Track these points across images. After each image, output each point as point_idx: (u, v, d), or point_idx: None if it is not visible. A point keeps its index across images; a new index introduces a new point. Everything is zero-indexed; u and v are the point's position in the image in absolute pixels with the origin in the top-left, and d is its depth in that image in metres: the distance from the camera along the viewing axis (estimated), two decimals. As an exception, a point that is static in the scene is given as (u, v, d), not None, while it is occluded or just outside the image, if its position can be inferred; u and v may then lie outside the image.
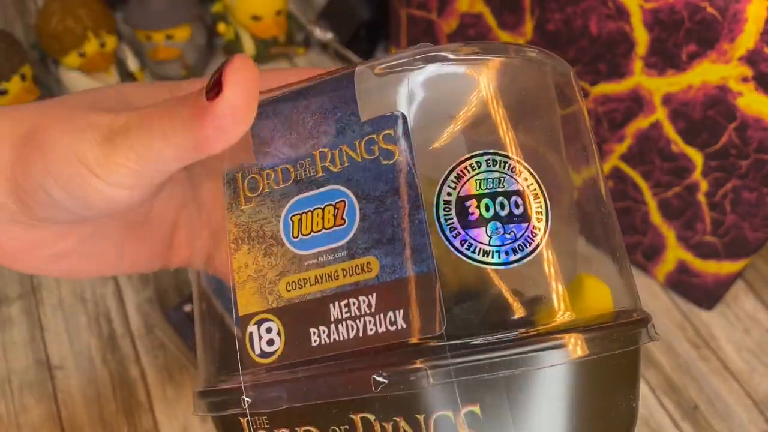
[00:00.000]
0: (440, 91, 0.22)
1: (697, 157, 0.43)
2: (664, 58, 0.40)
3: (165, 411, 0.45)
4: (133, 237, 0.28)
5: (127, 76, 0.62)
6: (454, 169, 0.21)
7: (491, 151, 0.21)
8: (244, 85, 0.20)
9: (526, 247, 0.21)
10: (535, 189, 0.21)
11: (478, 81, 0.22)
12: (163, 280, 0.51)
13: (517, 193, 0.21)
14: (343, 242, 0.21)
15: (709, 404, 0.47)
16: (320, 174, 0.21)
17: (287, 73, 0.27)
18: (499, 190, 0.21)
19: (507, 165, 0.21)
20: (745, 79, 0.38)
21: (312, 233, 0.21)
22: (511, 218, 0.21)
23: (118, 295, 0.50)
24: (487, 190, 0.21)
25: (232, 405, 0.21)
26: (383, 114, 0.21)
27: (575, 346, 0.20)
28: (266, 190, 0.22)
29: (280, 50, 0.64)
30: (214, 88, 0.20)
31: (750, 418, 0.47)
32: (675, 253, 0.49)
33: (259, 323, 0.21)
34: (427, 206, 0.20)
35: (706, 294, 0.50)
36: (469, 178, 0.21)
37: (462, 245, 0.20)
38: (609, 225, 0.25)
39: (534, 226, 0.21)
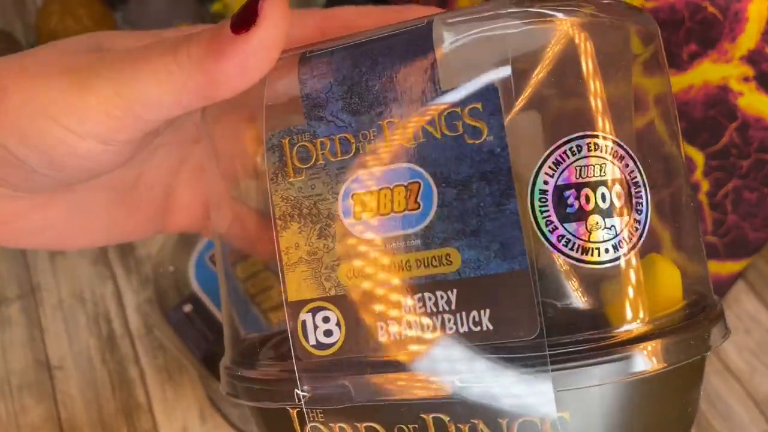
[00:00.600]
0: (528, 55, 0.19)
1: (697, 156, 0.43)
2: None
3: (164, 411, 0.45)
4: (123, 205, 0.26)
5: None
6: (552, 153, 0.18)
7: (592, 133, 0.18)
8: (281, 23, 0.18)
9: (626, 244, 0.18)
10: (636, 177, 0.19)
11: (574, 45, 0.19)
12: (163, 281, 0.51)
13: (619, 181, 0.18)
14: (417, 229, 0.18)
15: (710, 405, 0.47)
16: (388, 148, 0.18)
17: (343, 13, 0.24)
18: (600, 178, 0.18)
19: (608, 149, 0.18)
20: (746, 79, 0.38)
21: (378, 215, 0.18)
22: (612, 211, 0.18)
23: (118, 295, 0.50)
24: (587, 179, 0.18)
25: (283, 397, 0.19)
26: (470, 82, 0.18)
27: (662, 354, 0.18)
28: (321, 162, 0.19)
29: (280, 50, 0.64)
30: (247, 21, 0.18)
31: (751, 418, 0.47)
32: (676, 253, 0.49)
33: (314, 311, 0.19)
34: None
35: (706, 294, 0.50)
36: (569, 165, 0.18)
37: (559, 241, 0.18)
38: (686, 201, 0.22)
39: (635, 220, 0.18)
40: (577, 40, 0.19)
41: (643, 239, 0.18)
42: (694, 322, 0.20)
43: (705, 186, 0.44)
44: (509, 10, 0.18)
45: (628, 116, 0.21)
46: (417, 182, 0.18)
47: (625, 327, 0.18)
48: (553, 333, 0.18)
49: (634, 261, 0.18)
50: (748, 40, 0.36)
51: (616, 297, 0.19)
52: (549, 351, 0.17)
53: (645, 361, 0.18)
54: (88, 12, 0.57)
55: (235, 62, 0.18)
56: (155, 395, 0.46)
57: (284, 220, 0.19)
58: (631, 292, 0.19)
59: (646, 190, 0.19)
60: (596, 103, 0.19)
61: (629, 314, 0.19)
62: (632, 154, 0.19)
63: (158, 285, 0.50)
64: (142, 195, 0.27)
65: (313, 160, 0.19)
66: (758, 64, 0.37)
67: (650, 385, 0.18)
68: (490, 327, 0.17)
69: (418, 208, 0.18)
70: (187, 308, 0.46)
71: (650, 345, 0.18)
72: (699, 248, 0.23)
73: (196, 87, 0.18)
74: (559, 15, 0.19)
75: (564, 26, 0.19)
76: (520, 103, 0.18)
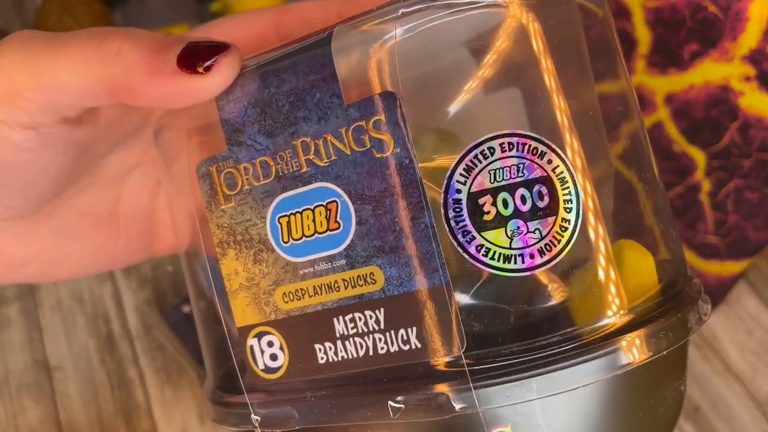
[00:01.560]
0: (440, 50, 0.18)
1: (699, 156, 0.43)
2: (666, 58, 0.40)
3: (163, 412, 0.45)
4: (105, 230, 0.26)
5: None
6: (461, 159, 0.17)
7: (504, 132, 0.17)
8: (228, 79, 0.18)
9: (554, 246, 0.17)
10: (562, 172, 0.17)
11: (494, 31, 0.17)
12: (162, 281, 0.51)
13: (541, 180, 0.17)
14: (340, 249, 0.18)
15: (711, 405, 0.47)
16: (305, 169, 0.18)
17: (299, 8, 0.24)
18: (519, 179, 0.17)
19: (526, 147, 0.17)
20: (747, 79, 0.37)
21: (304, 238, 0.18)
22: (534, 213, 0.17)
23: (117, 295, 0.50)
24: (504, 182, 0.17)
25: (243, 421, 0.19)
26: (370, 95, 0.17)
27: (630, 350, 0.17)
28: (246, 187, 0.19)
29: (279, 49, 0.64)
30: (196, 65, 0.18)
31: (752, 419, 0.47)
32: (677, 253, 0.49)
33: (259, 336, 0.19)
34: (433, 203, 0.17)
35: (708, 294, 0.50)
36: (482, 169, 0.17)
37: (478, 251, 0.17)
38: (649, 181, 0.21)
39: (563, 219, 0.17)
40: (524, 21, 0.18)
41: (575, 239, 0.17)
42: (674, 306, 0.19)
43: (706, 186, 0.44)
44: (408, 5, 0.17)
45: (585, 98, 0.20)
46: (334, 201, 0.18)
47: (599, 323, 0.18)
48: (482, 347, 0.17)
49: (565, 263, 0.17)
50: (749, 39, 0.36)
51: (545, 305, 0.18)
52: (475, 368, 0.16)
53: (623, 356, 0.17)
54: (87, 11, 0.57)
55: (165, 89, 0.18)
56: (154, 396, 0.46)
57: (222, 247, 0.20)
58: (560, 295, 0.18)
59: (576, 185, 0.17)
60: (515, 101, 0.18)
61: (595, 311, 0.18)
62: (556, 149, 0.17)
63: (157, 285, 0.50)
64: (123, 219, 0.26)
65: (239, 186, 0.19)
66: (759, 64, 0.37)
67: (631, 378, 0.18)
68: (419, 345, 0.17)
69: (339, 227, 0.18)
70: (186, 309, 0.46)
71: (626, 339, 0.17)
72: (670, 225, 0.21)
73: (112, 85, 0.18)
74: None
75: (507, 12, 0.18)
76: (440, 106, 0.18)
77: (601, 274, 0.18)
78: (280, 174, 0.19)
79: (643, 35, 0.40)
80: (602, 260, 0.18)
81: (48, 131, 0.20)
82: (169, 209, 0.24)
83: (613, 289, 0.18)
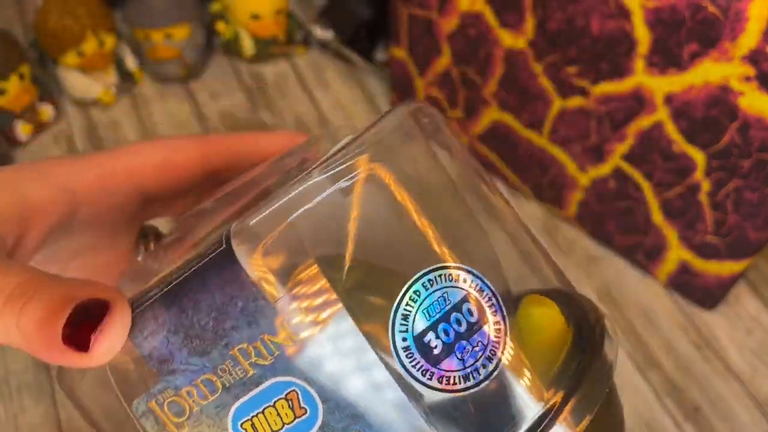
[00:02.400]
0: (327, 225, 0.19)
1: (698, 156, 0.43)
2: (665, 58, 0.40)
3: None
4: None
5: (125, 75, 0.62)
6: (397, 311, 0.18)
7: (423, 271, 0.19)
8: (114, 351, 0.18)
9: (498, 347, 0.19)
10: (476, 283, 0.19)
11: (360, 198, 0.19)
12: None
13: (464, 299, 0.19)
14: (315, 430, 0.18)
15: (711, 405, 0.47)
16: (251, 372, 0.18)
17: (222, 140, 0.25)
18: (448, 307, 0.19)
19: (443, 276, 0.19)
20: (747, 79, 0.37)
21: None
22: (471, 330, 0.19)
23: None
24: (438, 315, 0.18)
25: None
26: (291, 281, 0.18)
27: (572, 423, 0.19)
28: (195, 409, 0.19)
29: (279, 50, 0.64)
30: (78, 343, 0.18)
31: (752, 419, 0.47)
32: (677, 253, 0.49)
33: None
34: (382, 343, 0.18)
35: (707, 294, 0.50)
36: (416, 313, 0.18)
37: (442, 383, 0.18)
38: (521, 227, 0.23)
39: (494, 321, 0.19)
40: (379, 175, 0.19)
41: (509, 333, 0.19)
42: (588, 356, 0.20)
43: (706, 186, 0.44)
44: (306, 184, 0.18)
45: (469, 218, 0.21)
46: (293, 390, 0.18)
47: (533, 411, 0.19)
48: None
49: (512, 352, 0.19)
50: (749, 39, 0.36)
51: (515, 390, 0.19)
52: None
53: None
54: (88, 11, 0.57)
55: (62, 362, 0.18)
56: (155, 396, 0.46)
57: None
58: (519, 385, 0.19)
59: (488, 286, 0.19)
60: (416, 242, 0.19)
61: (530, 399, 0.19)
62: (467, 267, 0.19)
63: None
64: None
65: (188, 411, 0.19)
66: (759, 64, 0.37)
67: None
68: None
69: (306, 412, 0.18)
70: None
71: (561, 416, 0.19)
72: (551, 263, 0.23)
73: (7, 339, 0.18)
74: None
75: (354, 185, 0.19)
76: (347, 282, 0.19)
77: (523, 372, 0.19)
78: (227, 385, 0.18)
79: (643, 35, 0.40)
80: (515, 362, 0.19)
81: None
82: None
83: (530, 382, 0.19)
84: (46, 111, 0.59)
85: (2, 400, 0.46)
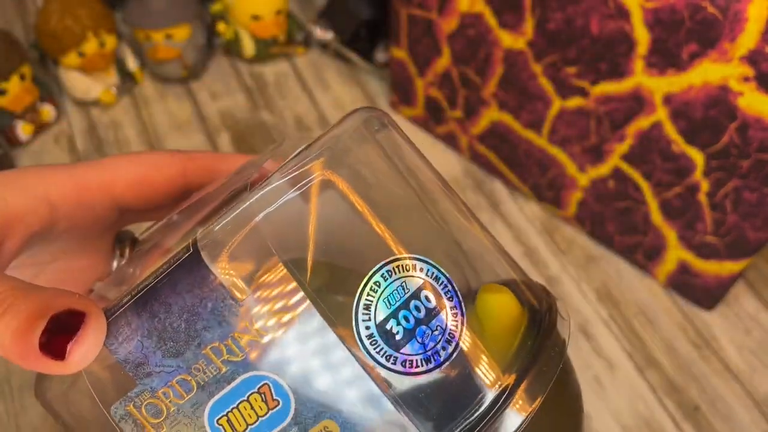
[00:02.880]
0: (288, 226, 0.20)
1: (698, 157, 0.43)
2: (664, 58, 0.40)
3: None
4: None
5: (126, 75, 0.62)
6: (359, 301, 0.20)
7: (381, 263, 0.20)
8: (88, 359, 0.18)
9: (456, 331, 0.20)
10: (432, 272, 0.20)
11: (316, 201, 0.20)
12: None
13: (421, 287, 0.20)
14: (288, 420, 0.19)
15: (710, 405, 0.47)
16: (224, 370, 0.19)
17: (203, 157, 0.25)
18: (407, 295, 0.20)
19: (400, 267, 0.20)
20: (746, 79, 0.38)
21: (249, 427, 0.19)
22: (429, 315, 0.20)
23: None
24: (398, 303, 0.20)
25: None
26: (258, 281, 0.19)
27: (525, 403, 0.20)
28: (172, 409, 0.19)
29: (280, 50, 0.64)
30: (54, 352, 0.18)
31: (751, 418, 0.47)
32: (676, 253, 0.49)
33: None
34: (346, 330, 0.19)
35: (707, 294, 0.50)
36: (377, 302, 0.20)
37: (406, 366, 0.19)
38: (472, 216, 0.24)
39: (450, 306, 0.20)
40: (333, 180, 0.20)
41: (465, 316, 0.20)
42: (541, 337, 0.22)
43: (705, 186, 0.44)
44: (265, 190, 0.19)
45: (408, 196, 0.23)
46: (265, 384, 0.19)
47: (491, 393, 0.20)
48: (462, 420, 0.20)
49: (470, 335, 0.20)
50: (748, 40, 0.36)
51: (473, 372, 0.20)
52: None
53: (516, 415, 0.20)
54: (88, 12, 0.57)
55: (38, 369, 0.18)
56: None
57: None
58: (477, 364, 0.20)
59: (444, 274, 0.20)
60: (373, 239, 0.20)
61: (487, 381, 0.20)
62: (422, 258, 0.20)
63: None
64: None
65: (165, 411, 0.20)
66: (758, 64, 0.37)
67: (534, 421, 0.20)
68: None
69: (279, 403, 0.19)
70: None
71: (515, 397, 0.20)
72: (502, 252, 0.24)
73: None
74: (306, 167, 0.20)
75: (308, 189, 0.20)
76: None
77: (477, 353, 0.21)
78: (202, 383, 0.19)
79: (642, 36, 0.40)
80: (473, 341, 0.21)
81: None
82: None
83: (486, 364, 0.21)
84: (47, 111, 0.59)
85: (3, 399, 0.46)
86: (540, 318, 0.22)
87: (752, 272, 0.53)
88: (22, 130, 0.58)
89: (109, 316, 0.20)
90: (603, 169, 0.48)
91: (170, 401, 0.19)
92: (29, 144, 0.59)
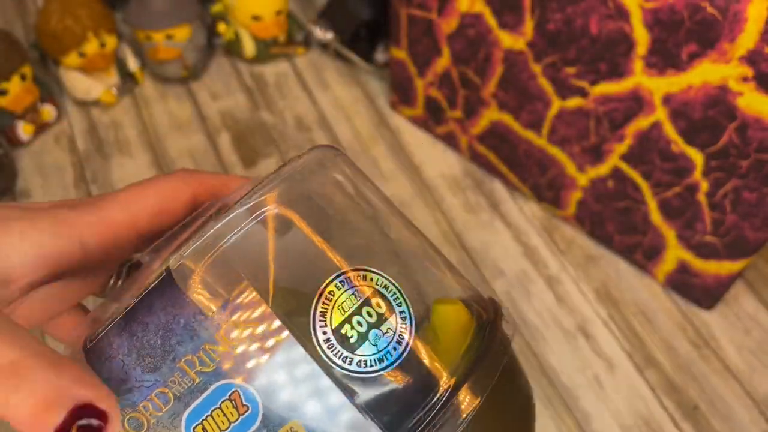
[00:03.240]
0: (249, 249, 0.22)
1: (697, 157, 0.43)
2: (664, 58, 0.40)
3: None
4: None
5: (127, 75, 0.62)
6: (315, 309, 0.22)
7: (335, 275, 0.22)
8: None
9: (405, 333, 0.22)
10: (380, 281, 0.22)
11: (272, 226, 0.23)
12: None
13: (373, 294, 0.22)
14: (257, 423, 0.21)
15: (709, 404, 0.47)
16: (197, 380, 0.21)
17: (211, 179, 0.27)
18: (359, 302, 0.22)
19: (352, 277, 0.22)
20: (745, 79, 0.38)
21: None
22: (381, 320, 0.22)
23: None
24: (351, 310, 0.22)
25: None
26: (225, 299, 0.21)
27: (471, 401, 0.22)
28: (152, 421, 0.21)
29: (280, 50, 0.64)
30: (70, 429, 0.18)
31: (751, 418, 0.47)
32: (675, 252, 0.49)
33: None
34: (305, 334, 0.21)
35: (706, 294, 0.50)
36: (333, 309, 0.22)
37: (361, 366, 0.21)
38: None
39: (400, 311, 0.22)
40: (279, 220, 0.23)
41: (414, 321, 0.22)
42: (488, 338, 0.24)
43: (704, 186, 0.44)
44: (228, 218, 0.22)
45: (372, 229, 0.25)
46: (235, 391, 0.21)
47: (439, 389, 0.22)
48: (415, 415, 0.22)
49: (418, 342, 0.22)
50: (747, 40, 0.36)
51: (423, 371, 0.22)
52: None
53: (463, 408, 0.22)
54: (88, 12, 0.57)
55: None
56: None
57: None
58: (426, 363, 0.22)
59: (394, 284, 0.23)
60: (327, 258, 0.23)
61: (436, 378, 0.22)
62: (373, 269, 0.23)
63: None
64: None
65: (146, 424, 0.21)
66: (757, 65, 0.37)
67: (478, 418, 0.23)
68: None
69: (248, 408, 0.21)
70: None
71: (461, 392, 0.22)
72: (447, 264, 0.26)
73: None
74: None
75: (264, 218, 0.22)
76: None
77: (424, 354, 0.23)
78: (178, 395, 0.21)
79: (642, 36, 0.40)
80: (421, 343, 0.23)
81: None
82: None
83: (435, 364, 0.23)
84: (48, 111, 0.59)
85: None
86: (486, 324, 0.24)
87: (751, 272, 0.53)
88: (23, 130, 0.58)
89: (94, 339, 0.21)
90: (602, 169, 0.48)
91: (150, 414, 0.21)
92: (30, 144, 0.59)
